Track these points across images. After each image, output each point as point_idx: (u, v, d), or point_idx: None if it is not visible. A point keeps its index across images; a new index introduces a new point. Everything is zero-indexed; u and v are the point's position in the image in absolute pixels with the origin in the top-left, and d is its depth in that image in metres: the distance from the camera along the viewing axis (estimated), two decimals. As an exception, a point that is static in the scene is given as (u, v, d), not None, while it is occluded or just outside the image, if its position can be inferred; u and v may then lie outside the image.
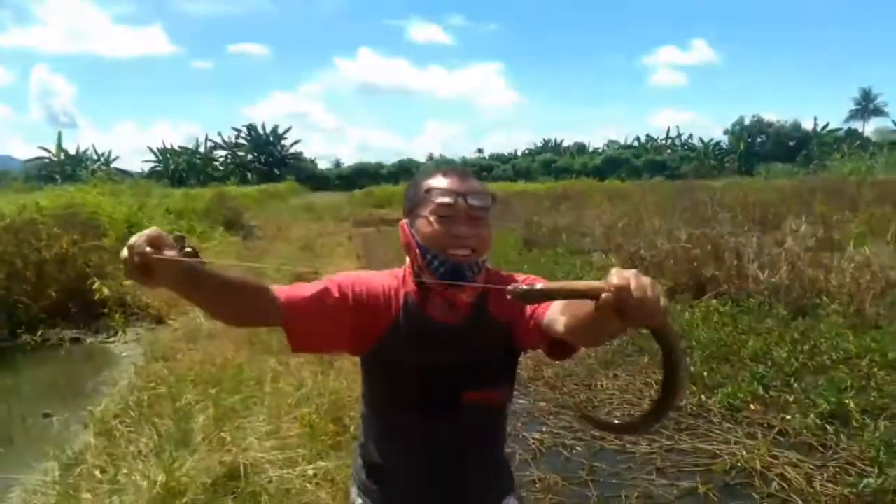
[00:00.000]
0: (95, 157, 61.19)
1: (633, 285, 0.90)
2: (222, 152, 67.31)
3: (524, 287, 1.05)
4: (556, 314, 1.23)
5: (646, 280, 0.92)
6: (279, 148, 68.83)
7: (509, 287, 1.06)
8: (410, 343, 1.40)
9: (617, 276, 0.92)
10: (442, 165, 2.03)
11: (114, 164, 59.07)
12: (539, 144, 73.79)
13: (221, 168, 63.26)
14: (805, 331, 6.24)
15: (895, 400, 4.49)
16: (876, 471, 3.53)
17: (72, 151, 60.65)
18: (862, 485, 3.39)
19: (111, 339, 7.42)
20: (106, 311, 7.83)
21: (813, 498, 3.37)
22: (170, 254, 1.10)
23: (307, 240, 14.78)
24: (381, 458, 1.49)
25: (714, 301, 7.37)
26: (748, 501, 3.41)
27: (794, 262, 7.59)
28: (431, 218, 1.35)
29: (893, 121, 59.42)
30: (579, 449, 4.09)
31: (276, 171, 64.69)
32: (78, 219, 8.75)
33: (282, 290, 1.36)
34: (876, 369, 5.12)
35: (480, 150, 79.15)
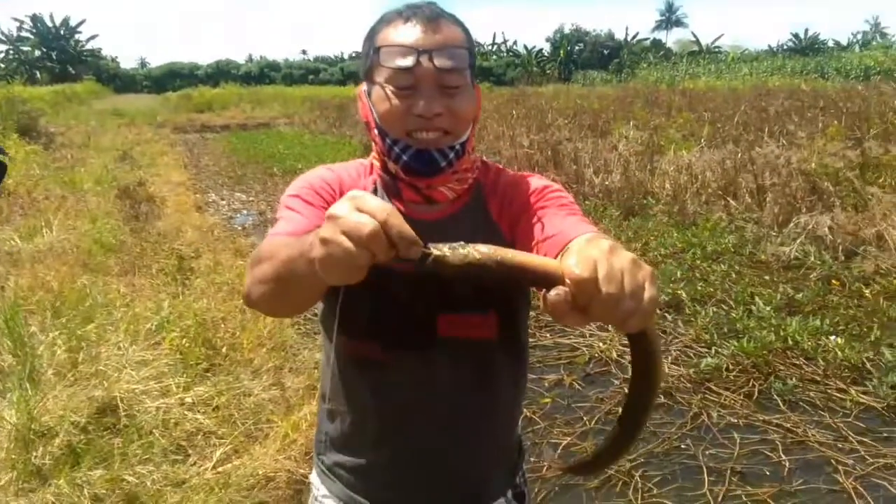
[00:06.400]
0: None
1: (601, 274, 0.61)
2: (2, 47, 57.98)
3: (448, 247, 0.69)
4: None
5: (621, 264, 0.63)
6: (72, 43, 60.53)
7: (430, 246, 0.69)
8: None
9: (580, 264, 0.62)
10: (407, 7, 1.01)
11: None
12: (367, 47, 71.65)
13: (3, 65, 54.58)
14: (637, 230, 6.82)
15: (718, 289, 5.06)
16: (713, 352, 3.99)
17: None
18: (703, 364, 3.82)
19: None
20: None
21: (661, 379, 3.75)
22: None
23: (123, 149, 13.34)
24: (342, 414, 1.15)
25: (555, 204, 7.78)
26: (609, 388, 3.72)
27: (625, 166, 8.15)
28: (388, 88, 0.99)
29: (693, 32, 64.85)
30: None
31: (72, 70, 57.11)
32: None
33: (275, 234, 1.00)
34: (699, 261, 5.72)
35: (304, 52, 75.37)
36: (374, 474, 1.14)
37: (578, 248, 0.65)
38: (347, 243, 0.66)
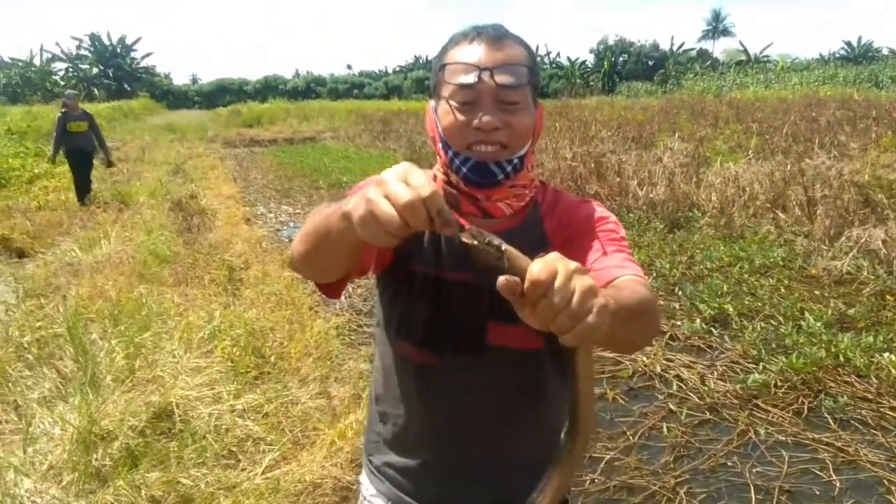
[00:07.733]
0: None
1: (556, 284, 0.66)
2: (62, 65, 60.39)
3: (479, 238, 0.72)
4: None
5: (577, 285, 0.67)
6: (128, 61, 62.81)
7: (467, 232, 0.73)
8: (430, 252, 1.11)
9: (543, 269, 0.67)
10: (473, 29, 1.09)
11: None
12: (410, 61, 72.43)
13: (62, 83, 56.80)
14: (682, 243, 6.73)
15: (766, 303, 4.96)
16: (761, 367, 3.92)
17: None
18: (750, 380, 3.75)
19: (-37, 278, 6.61)
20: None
21: (707, 395, 3.70)
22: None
23: (176, 162, 13.78)
24: (393, 416, 1.20)
25: (598, 217, 7.73)
26: (653, 402, 3.69)
27: (670, 178, 8.06)
28: (452, 104, 1.05)
29: (741, 41, 63.62)
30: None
31: (127, 86, 59.25)
32: None
33: None
34: (746, 275, 5.63)
35: (350, 67, 76.53)
36: (422, 475, 1.18)
37: (549, 257, 0.69)
38: (387, 206, 0.72)
